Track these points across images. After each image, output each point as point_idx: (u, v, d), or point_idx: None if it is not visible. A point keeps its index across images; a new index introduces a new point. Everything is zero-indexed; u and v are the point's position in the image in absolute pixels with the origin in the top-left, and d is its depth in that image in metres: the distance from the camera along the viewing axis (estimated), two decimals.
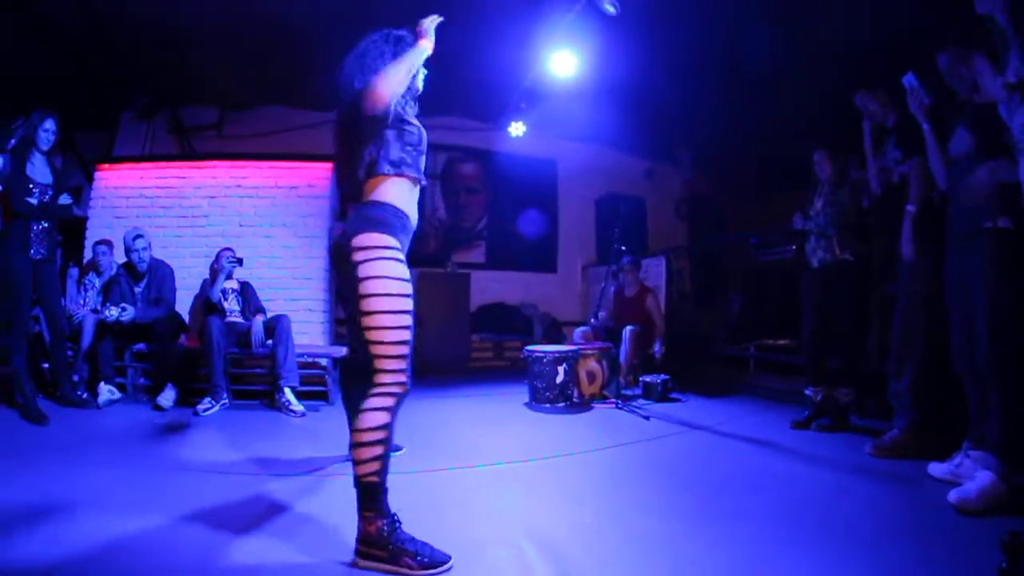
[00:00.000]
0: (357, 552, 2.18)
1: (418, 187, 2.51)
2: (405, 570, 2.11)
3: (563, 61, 6.42)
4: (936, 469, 3.12)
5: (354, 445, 2.19)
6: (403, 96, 2.48)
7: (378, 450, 2.18)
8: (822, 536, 2.39)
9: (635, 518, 2.72)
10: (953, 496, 2.66)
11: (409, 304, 2.28)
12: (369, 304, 2.22)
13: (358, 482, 2.19)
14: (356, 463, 2.19)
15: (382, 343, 2.22)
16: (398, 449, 3.77)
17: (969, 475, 2.82)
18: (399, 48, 2.48)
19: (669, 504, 2.92)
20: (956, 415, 3.18)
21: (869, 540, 2.33)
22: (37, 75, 6.31)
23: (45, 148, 4.59)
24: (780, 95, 6.63)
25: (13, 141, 4.18)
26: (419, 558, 2.13)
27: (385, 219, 2.32)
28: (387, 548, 2.14)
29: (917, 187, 3.53)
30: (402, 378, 2.25)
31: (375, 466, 2.17)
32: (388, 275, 2.24)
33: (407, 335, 2.27)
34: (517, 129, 8.31)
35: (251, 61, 7.07)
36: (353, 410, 2.42)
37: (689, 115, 7.93)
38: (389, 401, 2.22)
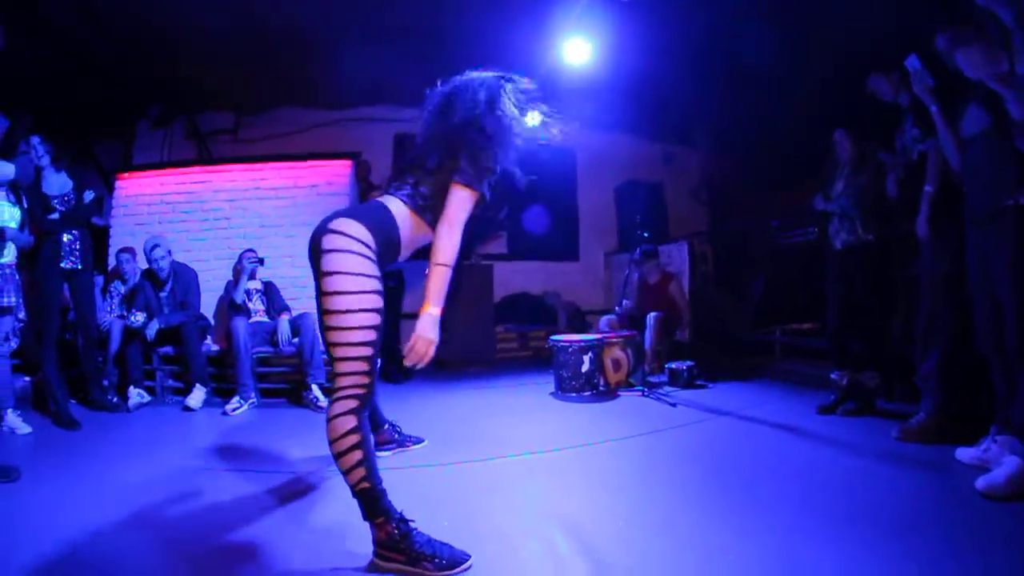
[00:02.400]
0: (375, 554, 2.16)
1: (424, 234, 2.39)
2: (424, 573, 2.09)
3: (577, 49, 6.38)
4: (964, 454, 3.05)
5: (334, 457, 2.11)
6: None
7: (357, 455, 2.08)
8: (849, 524, 2.36)
9: (664, 507, 2.72)
10: (981, 483, 2.60)
11: (376, 302, 2.14)
12: (327, 301, 2.11)
13: (353, 492, 2.13)
14: (343, 474, 2.12)
15: (341, 344, 2.11)
16: (419, 441, 3.79)
17: (997, 460, 2.76)
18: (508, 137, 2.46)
19: (697, 492, 2.92)
20: (984, 398, 3.12)
21: (896, 528, 2.31)
22: (52, 89, 6.38)
23: (44, 163, 4.66)
24: (798, 75, 6.54)
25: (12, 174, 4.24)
26: (437, 560, 2.10)
27: (376, 218, 2.25)
28: (404, 552, 2.11)
29: (935, 166, 3.45)
30: (363, 380, 2.12)
31: (361, 472, 2.09)
32: (356, 271, 2.11)
33: (372, 336, 2.13)
34: (533, 119, 8.25)
35: (264, 65, 7.11)
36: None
37: (706, 98, 7.85)
38: (351, 404, 2.10)
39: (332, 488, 3.06)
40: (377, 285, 2.16)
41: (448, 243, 2.24)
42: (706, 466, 3.37)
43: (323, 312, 2.13)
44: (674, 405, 4.94)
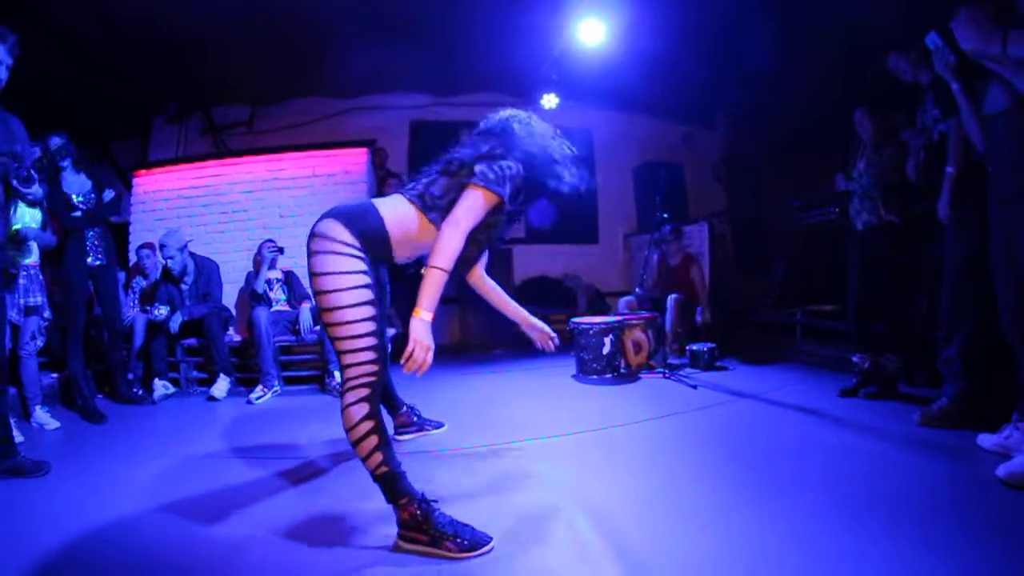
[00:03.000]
0: (399, 536, 2.22)
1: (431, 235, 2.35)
2: (446, 553, 2.13)
3: (591, 29, 6.33)
4: (985, 440, 3.00)
5: (352, 445, 2.18)
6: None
7: (373, 440, 2.15)
8: (868, 509, 2.35)
9: (685, 489, 2.73)
10: (1002, 470, 2.55)
11: (365, 295, 2.19)
12: (323, 300, 2.18)
13: (373, 478, 2.20)
14: (362, 461, 2.19)
15: (342, 338, 2.17)
16: (439, 426, 3.81)
17: (1019, 447, 2.73)
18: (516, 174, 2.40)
19: (718, 475, 2.92)
20: (1008, 384, 3.06)
21: (914, 514, 2.29)
22: (65, 89, 6.43)
23: (65, 164, 4.71)
24: (820, 52, 6.44)
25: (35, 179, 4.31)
26: (459, 540, 2.14)
27: (355, 217, 2.27)
28: (426, 532, 2.16)
29: (956, 147, 3.36)
30: (370, 368, 2.18)
31: (378, 457, 2.16)
32: (340, 270, 2.17)
33: (369, 326, 2.18)
34: (550, 101, 8.21)
35: (278, 55, 7.13)
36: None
37: (726, 77, 7.76)
38: (362, 392, 2.17)
39: (356, 472, 3.10)
40: (364, 279, 2.20)
41: (448, 244, 2.20)
42: (727, 449, 3.37)
43: (320, 311, 2.21)
44: (695, 387, 4.93)
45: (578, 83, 7.88)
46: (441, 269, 2.18)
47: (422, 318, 2.16)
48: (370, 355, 2.18)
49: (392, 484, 2.19)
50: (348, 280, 2.17)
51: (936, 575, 1.85)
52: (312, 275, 2.19)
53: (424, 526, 2.16)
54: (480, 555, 2.13)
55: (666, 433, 3.75)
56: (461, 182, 2.32)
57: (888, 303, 4.27)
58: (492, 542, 2.18)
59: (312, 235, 2.23)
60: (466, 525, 2.20)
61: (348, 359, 2.17)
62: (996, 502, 2.39)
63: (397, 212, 2.33)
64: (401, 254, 2.43)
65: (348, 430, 2.16)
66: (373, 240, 2.28)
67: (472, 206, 2.27)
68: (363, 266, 2.22)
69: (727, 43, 6.72)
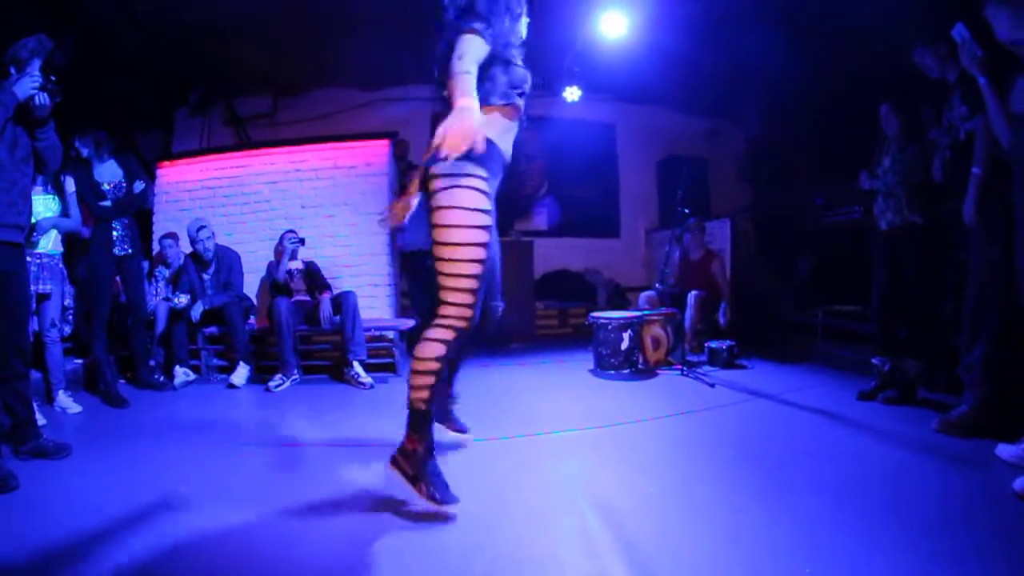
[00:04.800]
0: (394, 456, 2.41)
1: (516, 124, 2.51)
2: (417, 492, 2.33)
3: (613, 22, 6.30)
4: (1004, 451, 2.92)
5: (410, 371, 2.32)
6: (510, 39, 2.43)
7: (430, 380, 2.29)
8: (879, 517, 2.32)
9: (697, 489, 2.72)
10: (1019, 483, 2.48)
11: (484, 237, 2.27)
12: (440, 234, 2.26)
13: (408, 405, 2.34)
14: (409, 388, 2.33)
15: (449, 275, 2.26)
16: (463, 431, 3.66)
17: None
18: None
19: (731, 475, 2.90)
20: None
21: (927, 525, 2.25)
22: (89, 82, 6.48)
23: (92, 154, 4.78)
24: (849, 45, 6.35)
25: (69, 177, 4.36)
26: (431, 489, 2.32)
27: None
28: (413, 467, 2.35)
29: (983, 147, 3.26)
30: (467, 313, 2.28)
31: (425, 394, 2.31)
32: (464, 205, 2.24)
33: (477, 269, 2.27)
34: (572, 94, 8.18)
35: (300, 46, 7.14)
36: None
37: (752, 71, 7.66)
38: (448, 334, 2.28)
39: (372, 460, 3.13)
40: (488, 221, 2.31)
41: (458, 86, 2.09)
42: (741, 449, 3.34)
43: (435, 244, 2.29)
44: (712, 385, 4.90)
45: (601, 76, 7.84)
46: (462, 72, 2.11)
47: (460, 105, 2.05)
48: (471, 299, 2.29)
49: (419, 419, 2.35)
50: (475, 218, 2.26)
51: None
52: (434, 208, 2.27)
53: (413, 460, 2.35)
54: (440, 510, 2.32)
55: (680, 431, 3.75)
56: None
57: (912, 306, 4.20)
58: (455, 505, 2.33)
59: (429, 172, 2.30)
60: (446, 484, 2.37)
61: (449, 296, 2.28)
62: (1010, 517, 2.33)
63: (494, 123, 2.36)
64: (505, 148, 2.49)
65: (417, 358, 2.30)
66: (497, 164, 2.40)
67: (461, 49, 2.18)
68: (488, 205, 2.31)
69: (752, 37, 6.64)
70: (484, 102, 2.28)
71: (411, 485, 2.33)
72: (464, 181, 2.24)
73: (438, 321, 2.28)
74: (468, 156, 2.10)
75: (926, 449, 3.16)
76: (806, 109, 7.74)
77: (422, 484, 2.32)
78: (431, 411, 2.34)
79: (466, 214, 2.23)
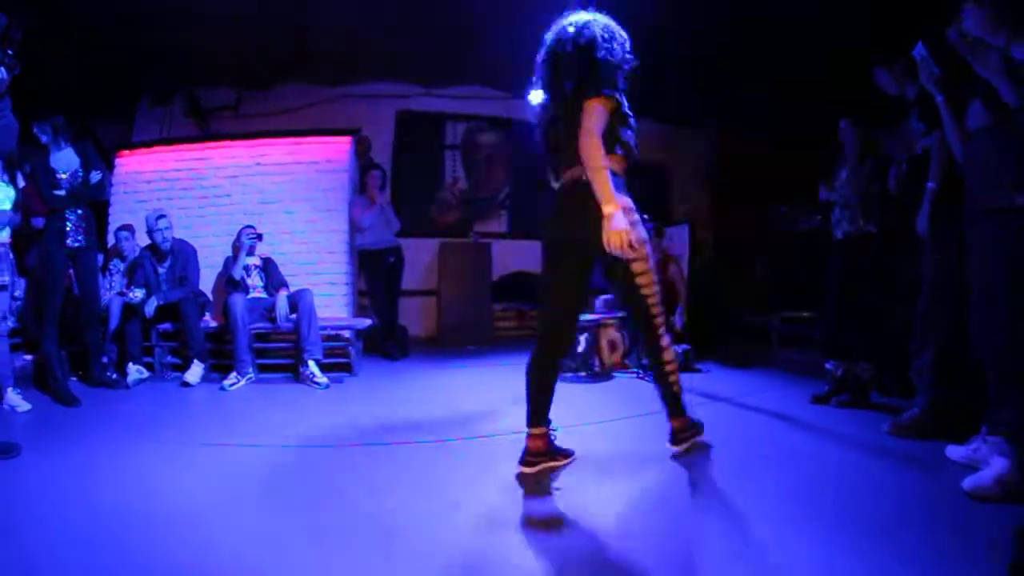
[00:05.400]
0: (674, 441, 3.12)
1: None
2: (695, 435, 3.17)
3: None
4: (954, 452, 3.02)
5: (668, 370, 2.98)
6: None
7: (678, 370, 3.09)
8: (834, 517, 2.37)
9: (653, 489, 2.76)
10: (968, 483, 2.57)
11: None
12: (645, 265, 2.81)
13: (670, 393, 3.04)
14: (669, 378, 3.00)
15: (656, 296, 2.87)
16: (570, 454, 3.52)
17: (987, 460, 2.74)
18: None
19: (688, 476, 2.94)
20: (978, 397, 3.09)
21: (882, 524, 2.30)
22: (49, 66, 6.31)
23: (50, 140, 4.66)
24: (810, 61, 6.48)
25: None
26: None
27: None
28: (688, 429, 3.13)
29: (939, 162, 3.38)
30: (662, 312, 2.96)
31: (679, 381, 3.06)
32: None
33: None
34: (537, 97, 8.19)
35: (266, 39, 7.03)
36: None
37: (714, 79, 7.76)
38: (668, 335, 3.00)
39: (318, 461, 3.15)
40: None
41: (591, 150, 2.56)
42: (698, 452, 3.37)
43: (637, 273, 2.79)
44: None
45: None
46: (600, 167, 2.56)
47: (608, 211, 2.52)
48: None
49: (678, 400, 3.06)
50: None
51: None
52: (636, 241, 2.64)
53: (688, 428, 3.14)
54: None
55: (636, 433, 3.77)
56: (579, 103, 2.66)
57: (864, 312, 4.31)
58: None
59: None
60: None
61: (655, 310, 2.88)
62: (963, 514, 2.41)
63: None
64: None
65: (672, 360, 3.00)
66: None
67: (595, 114, 2.63)
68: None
69: (718, 44, 6.75)
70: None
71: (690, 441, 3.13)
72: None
73: (660, 330, 2.90)
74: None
75: (880, 451, 3.24)
76: (767, 120, 7.87)
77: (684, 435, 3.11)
78: (682, 391, 3.08)
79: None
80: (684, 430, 3.12)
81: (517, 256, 9.39)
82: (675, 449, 3.10)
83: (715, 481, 2.90)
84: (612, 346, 5.68)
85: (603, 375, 5.46)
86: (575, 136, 2.61)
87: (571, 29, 2.78)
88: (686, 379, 5.23)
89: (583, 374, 5.40)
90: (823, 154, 4.72)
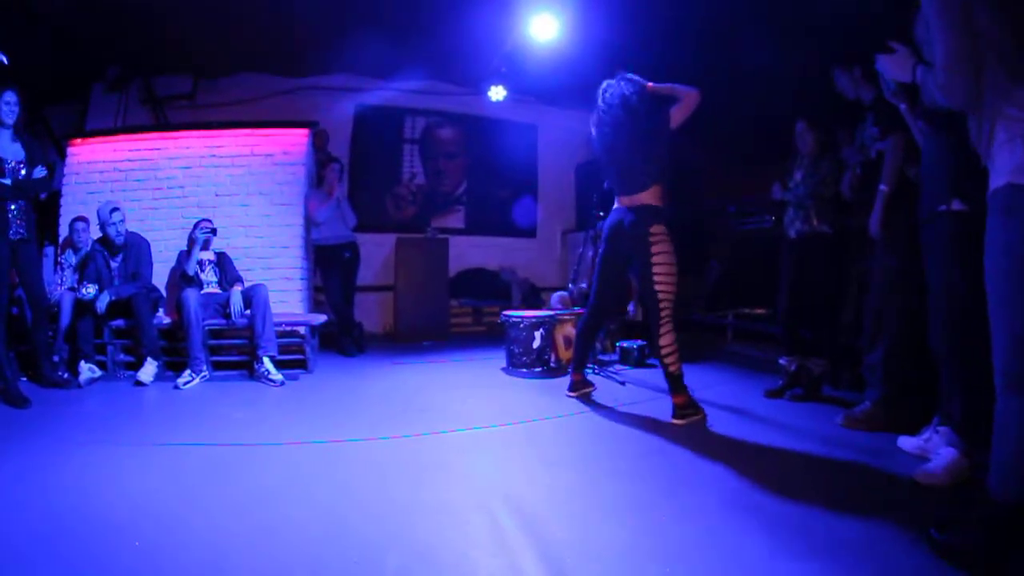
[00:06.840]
0: (677, 415, 3.87)
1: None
2: (699, 414, 3.91)
3: (544, 24, 6.34)
4: (906, 443, 3.16)
5: (669, 354, 3.88)
6: None
7: (677, 355, 3.90)
8: (786, 508, 2.45)
9: (607, 484, 2.80)
10: (918, 472, 2.72)
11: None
12: (661, 270, 3.88)
13: (672, 375, 3.90)
14: (670, 364, 3.88)
15: (668, 293, 3.89)
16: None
17: (937, 450, 2.86)
18: None
19: (640, 471, 3.00)
20: (928, 390, 3.21)
21: (838, 514, 2.38)
22: (4, 49, 6.13)
23: (10, 121, 4.49)
24: (769, 62, 6.58)
25: None
26: (698, 407, 3.96)
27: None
28: (691, 406, 3.90)
29: (892, 166, 3.51)
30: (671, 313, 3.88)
31: (677, 364, 3.89)
32: (671, 251, 3.94)
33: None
34: (497, 94, 8.20)
35: (224, 27, 6.90)
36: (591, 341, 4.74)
37: (673, 80, 7.84)
38: (671, 325, 3.89)
39: (275, 459, 3.14)
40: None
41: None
42: (651, 444, 3.44)
43: (661, 279, 3.92)
44: (623, 383, 5.05)
45: (528, 78, 7.90)
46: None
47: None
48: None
49: (679, 380, 3.90)
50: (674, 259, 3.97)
51: (854, 572, 1.95)
52: (654, 254, 3.93)
53: (689, 407, 3.89)
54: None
55: (591, 428, 3.84)
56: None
57: (816, 309, 4.44)
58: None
59: (647, 231, 3.99)
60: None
61: (667, 307, 3.91)
62: (914, 502, 2.52)
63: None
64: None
65: (669, 345, 3.88)
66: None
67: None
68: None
69: (678, 46, 6.81)
70: (658, 180, 4.25)
71: (695, 414, 3.89)
72: (668, 237, 4.05)
73: (666, 323, 3.90)
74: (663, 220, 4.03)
75: (833, 443, 3.35)
76: (721, 120, 7.97)
77: (695, 409, 3.92)
78: (682, 374, 3.93)
79: (673, 257, 3.99)
80: (685, 407, 3.85)
81: (474, 252, 9.43)
82: (677, 423, 3.81)
83: (668, 474, 2.96)
84: (568, 342, 5.72)
85: (559, 371, 5.50)
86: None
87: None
88: (640, 374, 5.41)
89: (539, 370, 5.44)
90: (779, 153, 4.80)
